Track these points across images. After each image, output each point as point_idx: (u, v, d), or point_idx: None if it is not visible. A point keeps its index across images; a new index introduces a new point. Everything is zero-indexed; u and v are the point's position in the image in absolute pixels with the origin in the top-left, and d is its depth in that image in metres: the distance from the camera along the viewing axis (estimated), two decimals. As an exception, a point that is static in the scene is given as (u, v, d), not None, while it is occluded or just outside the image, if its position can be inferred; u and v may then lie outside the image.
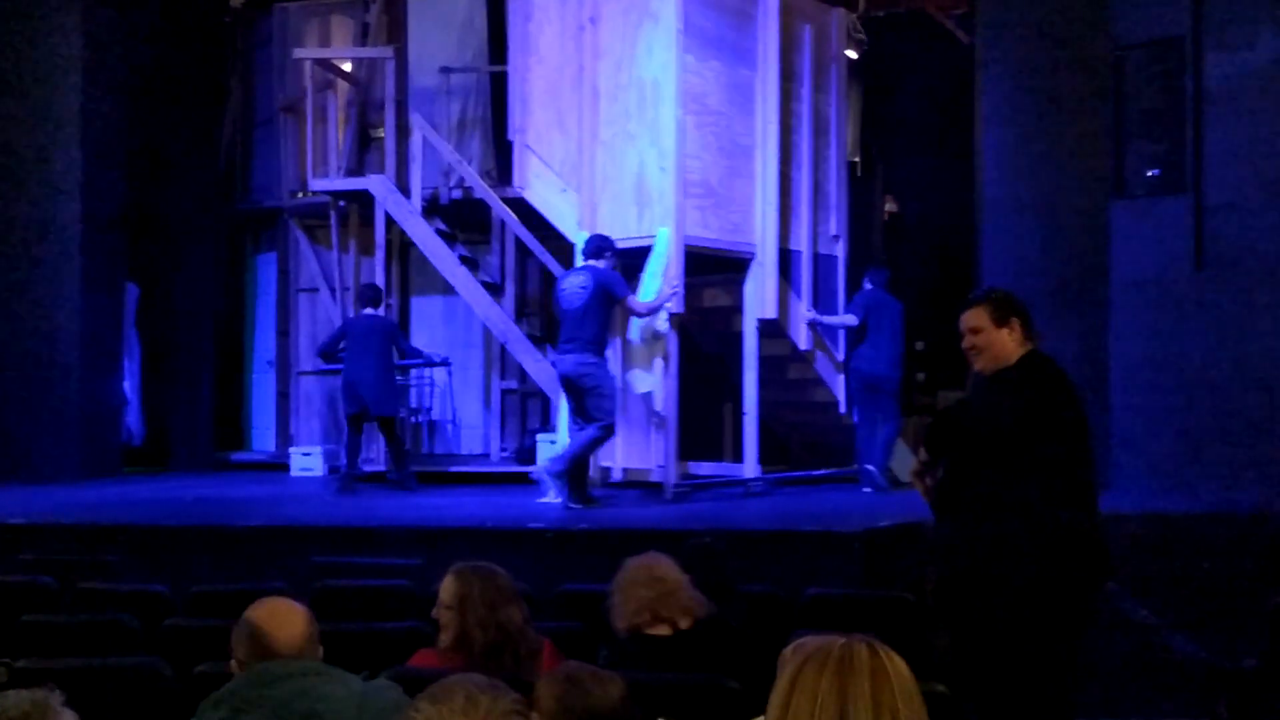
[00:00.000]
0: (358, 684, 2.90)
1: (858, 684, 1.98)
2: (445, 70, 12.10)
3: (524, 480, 10.53)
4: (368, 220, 11.16)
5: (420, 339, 12.75)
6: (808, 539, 6.88)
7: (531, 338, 10.48)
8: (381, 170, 11.04)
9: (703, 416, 9.62)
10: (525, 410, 12.34)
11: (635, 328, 8.67)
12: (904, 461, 9.56)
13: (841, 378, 9.99)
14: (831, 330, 10.00)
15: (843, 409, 9.95)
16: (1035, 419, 3.98)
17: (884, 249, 11.98)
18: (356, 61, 12.52)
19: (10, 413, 10.55)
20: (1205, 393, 7.69)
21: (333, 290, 11.99)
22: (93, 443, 10.92)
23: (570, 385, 8.25)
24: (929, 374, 11.55)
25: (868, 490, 9.34)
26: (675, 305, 8.50)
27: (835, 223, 10.23)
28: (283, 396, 13.04)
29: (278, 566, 6.45)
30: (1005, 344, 4.11)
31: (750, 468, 9.20)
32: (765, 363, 9.28)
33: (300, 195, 12.63)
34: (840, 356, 10.02)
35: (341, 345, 9.83)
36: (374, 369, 9.58)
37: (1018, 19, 8.95)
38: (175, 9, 12.10)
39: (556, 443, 10.52)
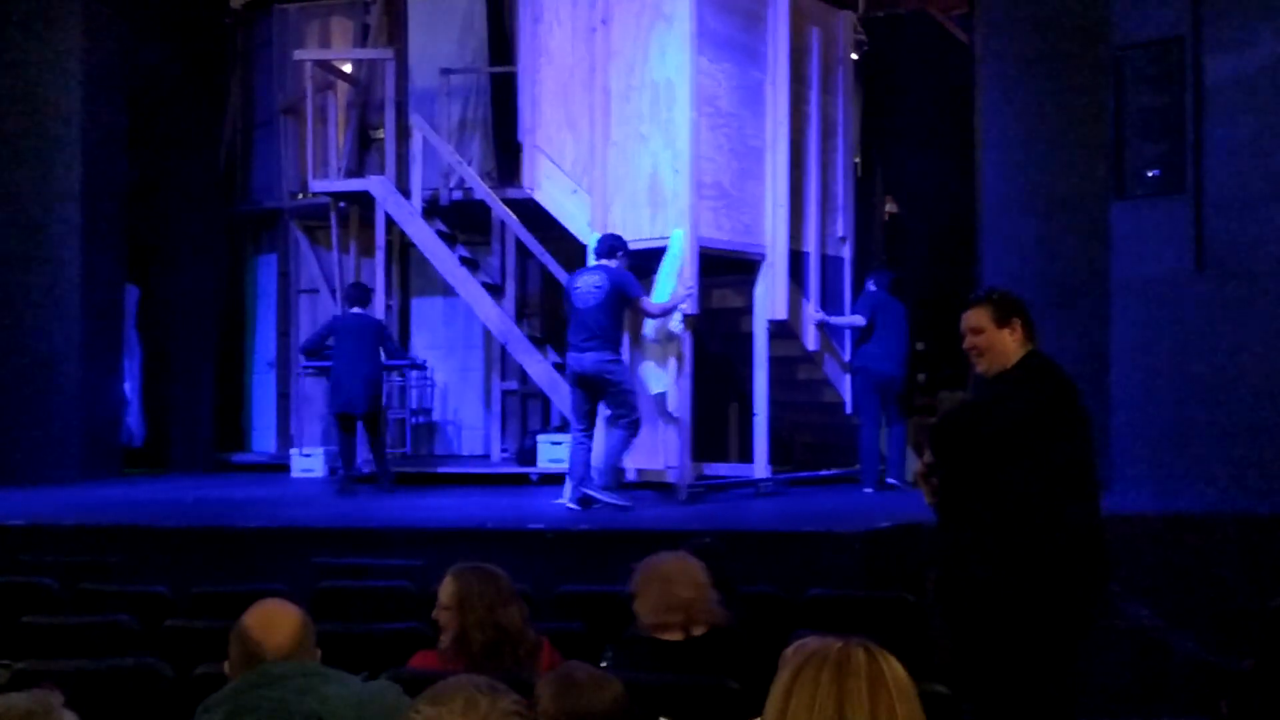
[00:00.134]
0: (357, 685, 2.90)
1: (855, 687, 1.99)
2: (445, 71, 12.11)
3: (524, 481, 10.56)
4: (368, 221, 11.16)
5: (421, 340, 12.78)
6: (808, 539, 6.89)
7: (532, 339, 10.48)
8: (382, 171, 11.05)
9: (708, 417, 9.63)
10: (526, 411, 12.35)
11: (650, 328, 8.69)
12: (911, 463, 9.60)
13: (847, 378, 10.01)
14: (838, 331, 10.03)
15: (849, 409, 9.97)
16: (1037, 420, 3.98)
17: (884, 249, 11.98)
18: (356, 63, 12.53)
19: (11, 414, 10.55)
20: (1205, 392, 7.68)
21: (333, 291, 11.99)
22: (93, 444, 10.93)
23: (589, 382, 8.24)
24: (929, 374, 11.55)
25: (868, 490, 9.36)
26: (689, 307, 8.53)
27: (842, 224, 10.26)
28: (283, 398, 13.05)
29: (278, 568, 6.46)
30: (1006, 344, 4.11)
31: (761, 468, 9.23)
32: (773, 363, 9.31)
33: (300, 196, 12.65)
34: (846, 357, 10.06)
35: (329, 343, 9.85)
36: (363, 367, 9.60)
37: (1017, 19, 8.95)
38: (175, 10, 12.11)
39: (560, 443, 10.56)
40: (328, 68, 12.18)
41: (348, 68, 12.55)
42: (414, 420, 12.65)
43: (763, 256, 9.24)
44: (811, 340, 9.75)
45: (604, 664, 3.74)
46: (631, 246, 8.46)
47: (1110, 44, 8.20)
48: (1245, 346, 7.55)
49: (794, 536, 7.01)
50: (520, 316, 10.93)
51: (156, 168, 12.09)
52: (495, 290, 10.78)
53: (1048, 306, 7.89)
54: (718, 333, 9.89)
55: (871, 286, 9.71)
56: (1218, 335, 7.65)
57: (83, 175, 10.72)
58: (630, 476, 8.84)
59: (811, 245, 9.78)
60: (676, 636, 3.73)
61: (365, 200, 10.96)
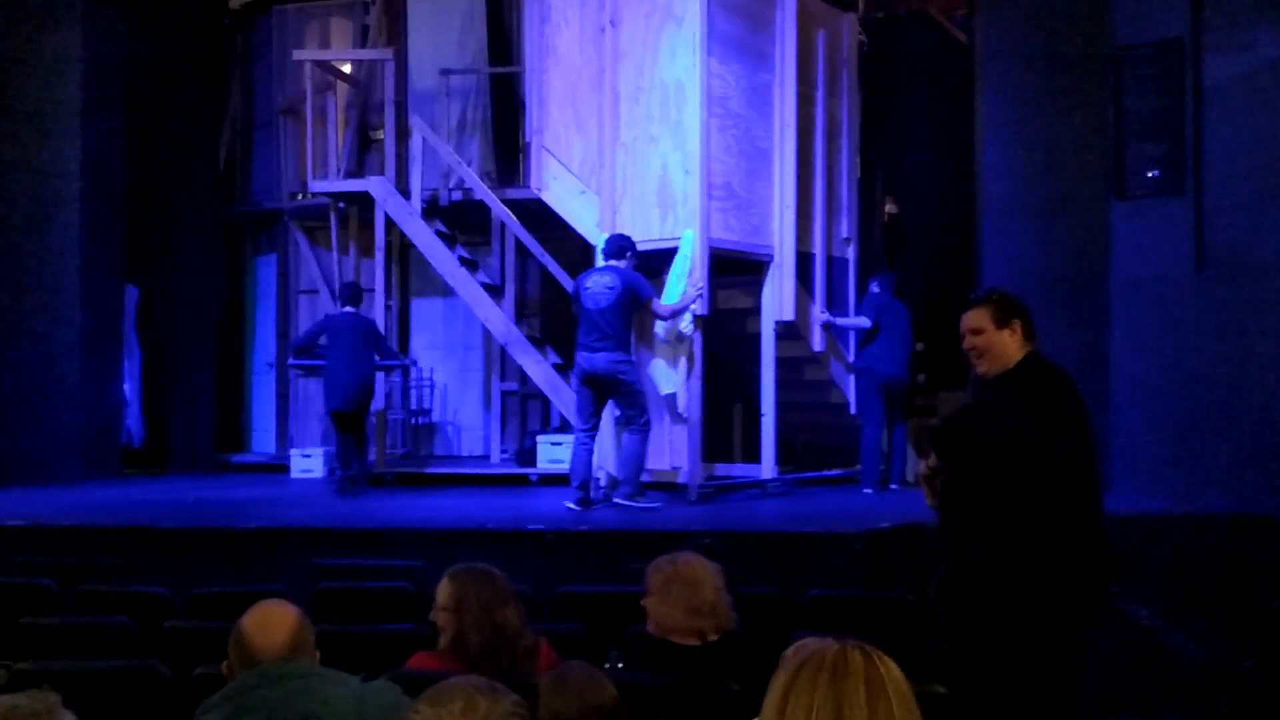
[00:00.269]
0: (357, 685, 2.90)
1: (853, 689, 1.99)
2: (445, 72, 12.11)
3: (524, 482, 10.56)
4: (368, 222, 11.16)
5: (420, 341, 12.78)
6: (809, 540, 6.89)
7: (531, 339, 10.47)
8: (381, 172, 11.04)
9: (712, 418, 9.64)
10: (525, 412, 12.35)
11: (661, 329, 8.72)
12: (912, 464, 9.61)
13: (852, 379, 10.03)
14: (842, 333, 10.05)
15: (853, 410, 9.98)
16: (1038, 422, 3.98)
17: (884, 250, 11.98)
18: (356, 63, 12.53)
19: (11, 415, 10.54)
20: (1205, 393, 7.69)
21: (333, 292, 11.98)
22: (93, 445, 10.92)
23: (600, 382, 8.25)
24: (929, 375, 11.55)
25: (868, 491, 9.37)
26: (700, 307, 8.55)
27: (846, 226, 10.28)
28: (283, 398, 13.06)
29: (278, 569, 6.45)
30: (1007, 345, 4.10)
31: (768, 469, 9.25)
32: (779, 364, 9.33)
33: (300, 197, 12.65)
34: (850, 359, 10.07)
35: (320, 342, 9.87)
36: (356, 367, 9.62)
37: (1017, 19, 8.95)
38: (175, 11, 12.11)
39: (560, 444, 10.56)
40: (327, 68, 12.18)
41: (347, 68, 12.56)
42: (414, 421, 12.65)
43: (770, 257, 9.26)
44: (818, 341, 9.77)
45: (607, 665, 3.73)
46: (641, 247, 8.49)
47: (1110, 44, 8.21)
48: (1245, 346, 7.56)
49: (794, 537, 7.01)
50: (520, 317, 10.92)
51: (156, 168, 12.08)
52: (495, 291, 10.78)
53: (1048, 307, 7.89)
54: (722, 333, 9.90)
55: (875, 288, 9.72)
56: (1217, 335, 7.65)
57: (82, 176, 10.71)
58: (643, 477, 8.86)
59: (817, 246, 9.81)
60: (693, 641, 3.67)
61: (365, 201, 10.96)
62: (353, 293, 9.95)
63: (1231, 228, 7.64)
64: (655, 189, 8.84)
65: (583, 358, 8.24)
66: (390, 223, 10.73)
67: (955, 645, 4.18)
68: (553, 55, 9.41)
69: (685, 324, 8.60)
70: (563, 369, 10.40)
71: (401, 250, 12.12)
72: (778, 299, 9.26)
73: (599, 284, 8.26)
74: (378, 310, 11.07)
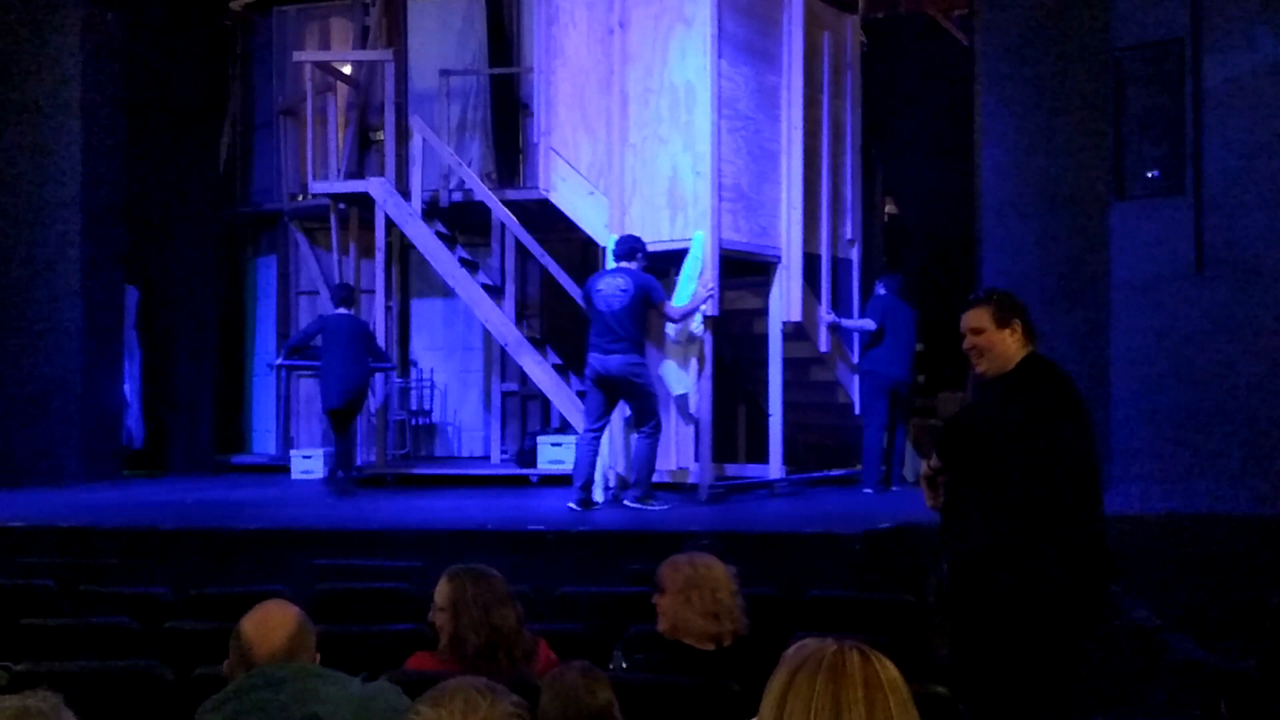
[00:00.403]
0: (357, 686, 2.90)
1: (851, 690, 1.99)
2: (445, 73, 12.12)
3: (524, 483, 10.56)
4: (368, 223, 11.16)
5: (420, 341, 12.79)
6: (808, 540, 6.89)
7: (532, 340, 10.48)
8: (381, 173, 11.05)
9: (717, 418, 9.65)
10: (525, 412, 12.36)
11: (672, 330, 8.74)
12: (911, 464, 9.62)
13: (856, 379, 10.04)
14: (847, 334, 10.06)
15: (857, 410, 10.00)
16: (1039, 422, 3.98)
17: (884, 250, 11.99)
18: (356, 64, 12.54)
19: (11, 415, 10.55)
20: (1205, 393, 7.68)
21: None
22: (93, 445, 10.92)
23: (613, 384, 8.26)
24: (929, 375, 11.56)
25: (868, 491, 9.37)
26: (710, 308, 8.56)
27: (850, 227, 10.30)
28: (283, 399, 13.05)
29: (278, 569, 6.45)
30: (1007, 345, 4.10)
31: (776, 469, 9.27)
32: (785, 365, 9.34)
33: (300, 198, 12.66)
34: (854, 359, 10.09)
35: (316, 343, 9.92)
36: (353, 367, 9.67)
37: (1017, 20, 8.95)
38: (175, 11, 12.11)
39: (560, 445, 10.57)
40: (327, 69, 12.18)
41: (347, 69, 12.56)
42: (414, 422, 12.65)
43: (778, 258, 9.29)
44: (824, 342, 9.79)
45: (611, 666, 3.73)
46: (650, 248, 8.51)
47: (1110, 44, 8.20)
48: (1245, 346, 7.55)
49: (794, 538, 7.01)
50: (520, 318, 10.92)
51: (156, 169, 12.08)
52: (495, 292, 10.78)
53: (1047, 307, 7.90)
54: (727, 334, 9.93)
55: (881, 290, 9.74)
56: (1217, 335, 7.64)
57: (82, 177, 10.72)
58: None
59: (823, 248, 9.83)
60: (708, 646, 3.63)
61: (365, 202, 10.96)
62: (346, 294, 9.99)
63: (1231, 228, 7.63)
64: (665, 190, 8.86)
65: (596, 359, 8.25)
66: (390, 223, 10.73)
67: (955, 646, 4.18)
68: (560, 56, 9.42)
69: (696, 325, 8.64)
70: (563, 369, 10.41)
71: (401, 251, 12.12)
72: (785, 300, 9.30)
73: (612, 286, 8.26)
74: (378, 311, 11.07)
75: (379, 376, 10.66)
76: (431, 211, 10.91)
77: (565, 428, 10.66)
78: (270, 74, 13.17)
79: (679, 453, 9.26)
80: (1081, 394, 4.15)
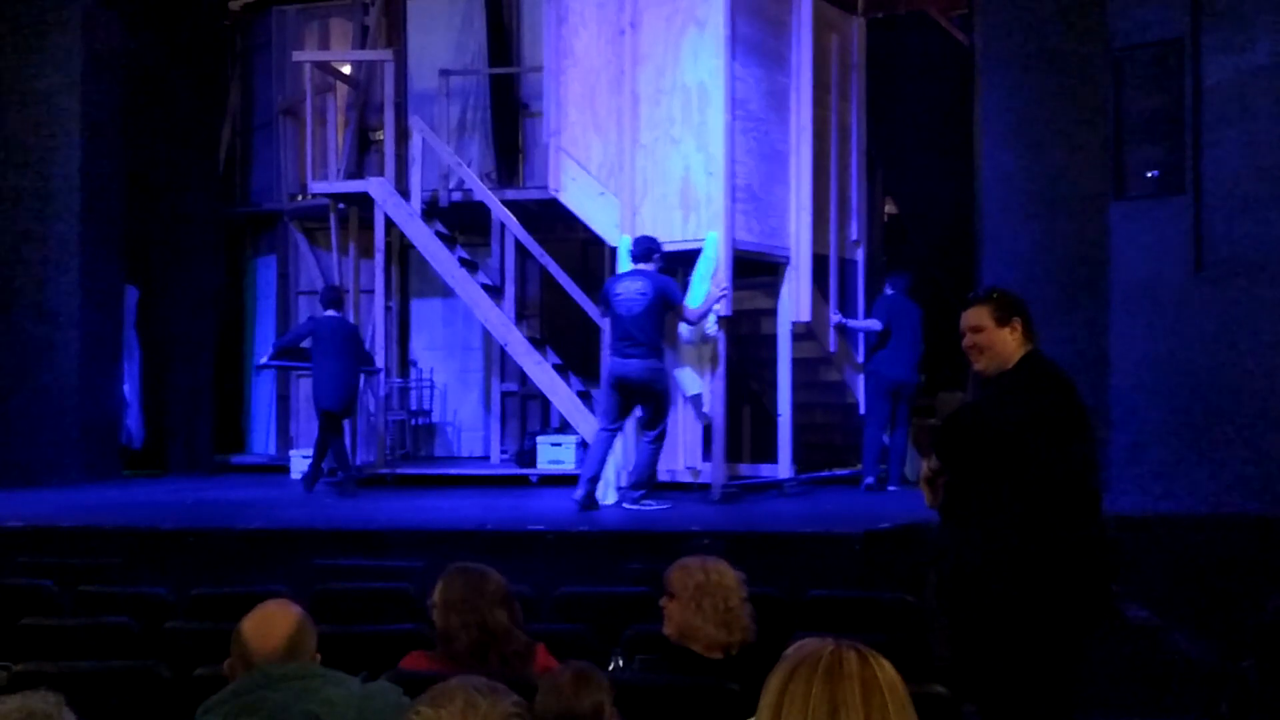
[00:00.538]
0: (357, 686, 2.90)
1: (848, 690, 1.99)
2: (444, 73, 12.12)
3: (524, 483, 10.56)
4: (367, 223, 11.16)
5: (420, 341, 12.80)
6: (808, 540, 6.89)
7: (531, 340, 10.48)
8: (381, 173, 11.04)
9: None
10: (525, 412, 12.36)
11: (686, 331, 8.76)
12: (912, 464, 9.62)
13: (861, 380, 10.06)
14: (852, 334, 10.07)
15: (862, 411, 10.01)
16: (1038, 422, 3.98)
17: (884, 250, 11.98)
18: (356, 64, 12.54)
19: (10, 416, 10.54)
20: (1205, 393, 7.68)
21: (333, 293, 11.98)
22: (92, 445, 10.92)
23: (632, 388, 8.26)
24: (929, 375, 11.55)
25: (869, 481, 9.41)
26: (724, 308, 8.58)
27: (856, 228, 10.32)
28: (282, 399, 13.06)
29: (278, 569, 6.45)
30: (1007, 343, 4.10)
31: (785, 468, 9.29)
32: (793, 365, 9.36)
33: (300, 198, 12.66)
34: (860, 360, 10.10)
35: (306, 344, 9.96)
36: (347, 368, 9.75)
37: (1017, 20, 8.95)
38: (174, 12, 12.10)
39: (560, 445, 10.57)
40: (327, 69, 12.18)
41: (347, 69, 12.56)
42: (414, 422, 12.65)
43: (787, 259, 9.31)
44: (832, 342, 9.80)
45: (610, 666, 3.72)
46: (664, 249, 8.50)
47: (1110, 44, 8.20)
48: (1245, 346, 7.55)
49: (794, 537, 7.01)
50: (520, 318, 10.92)
51: (155, 169, 12.07)
52: (494, 292, 10.78)
53: (1047, 306, 7.89)
54: (735, 334, 9.94)
55: (889, 290, 9.75)
56: (1217, 335, 7.65)
57: (81, 177, 10.71)
58: (663, 477, 8.88)
59: (830, 248, 9.83)
60: (716, 655, 3.59)
61: (365, 202, 10.96)
62: (335, 296, 10.02)
63: (1231, 228, 7.64)
64: (677, 191, 8.87)
65: (615, 363, 8.26)
66: (390, 223, 10.73)
67: (955, 646, 4.18)
68: (570, 57, 9.43)
69: (711, 325, 8.65)
70: (562, 369, 10.41)
71: (401, 251, 12.13)
72: (795, 300, 9.31)
73: (631, 289, 8.25)
74: (378, 311, 11.08)
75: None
76: (431, 211, 10.91)
77: (565, 428, 10.66)
78: (270, 74, 13.18)
79: (687, 453, 9.27)
80: (1081, 392, 4.15)
